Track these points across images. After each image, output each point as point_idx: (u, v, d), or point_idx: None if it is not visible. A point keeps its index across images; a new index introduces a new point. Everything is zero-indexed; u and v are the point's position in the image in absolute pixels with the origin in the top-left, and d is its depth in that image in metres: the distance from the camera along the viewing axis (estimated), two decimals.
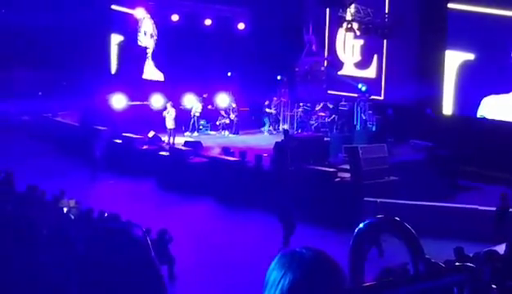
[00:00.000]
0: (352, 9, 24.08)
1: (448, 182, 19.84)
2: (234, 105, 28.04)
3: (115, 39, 30.28)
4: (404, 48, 24.71)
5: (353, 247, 2.14)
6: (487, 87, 22.41)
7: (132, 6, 29.21)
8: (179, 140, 24.87)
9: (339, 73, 27.48)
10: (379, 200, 17.08)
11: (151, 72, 30.21)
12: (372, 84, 25.80)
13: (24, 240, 8.32)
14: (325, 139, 23.23)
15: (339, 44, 27.68)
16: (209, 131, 28.09)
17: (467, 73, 23.02)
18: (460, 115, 23.50)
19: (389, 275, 6.34)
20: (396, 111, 23.29)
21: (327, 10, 27.29)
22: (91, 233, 10.55)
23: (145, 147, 23.75)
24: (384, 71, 26.09)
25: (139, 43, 29.80)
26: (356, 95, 25.07)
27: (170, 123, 25.41)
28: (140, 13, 29.34)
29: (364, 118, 23.81)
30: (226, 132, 27.87)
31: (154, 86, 28.89)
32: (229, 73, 30.20)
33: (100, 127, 24.83)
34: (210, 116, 28.26)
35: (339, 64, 27.67)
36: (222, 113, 28.11)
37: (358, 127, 23.96)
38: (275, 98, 28.18)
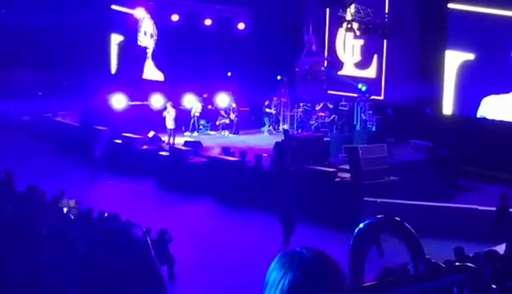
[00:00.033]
0: (352, 9, 24.07)
1: (448, 182, 19.80)
2: (234, 105, 28.03)
3: (115, 39, 30.26)
4: (404, 48, 24.69)
5: (353, 247, 2.14)
6: (487, 87, 22.39)
7: (132, 6, 29.21)
8: (179, 140, 24.85)
9: (339, 73, 27.46)
10: (379, 200, 17.05)
11: (151, 72, 30.21)
12: (372, 84, 25.78)
13: (24, 240, 8.31)
14: (325, 139, 23.21)
15: (339, 44, 27.66)
16: (209, 131, 28.07)
17: (467, 73, 23.01)
18: (460, 115, 23.48)
19: (389, 275, 6.35)
20: (396, 111, 23.28)
21: (327, 10, 27.28)
22: (91, 234, 10.56)
23: (145, 147, 23.73)
24: (383, 71, 26.08)
25: (139, 43, 29.79)
26: (356, 95, 25.05)
27: (170, 123, 25.40)
28: (140, 13, 29.33)
29: (364, 118, 23.80)
30: (226, 132, 27.86)
31: (154, 86, 28.88)
32: (229, 73, 30.17)
33: (100, 127, 24.82)
34: (210, 116, 28.24)
35: (339, 64, 27.66)
36: (222, 113, 28.09)
37: (358, 127, 23.95)
38: (275, 98, 28.16)
